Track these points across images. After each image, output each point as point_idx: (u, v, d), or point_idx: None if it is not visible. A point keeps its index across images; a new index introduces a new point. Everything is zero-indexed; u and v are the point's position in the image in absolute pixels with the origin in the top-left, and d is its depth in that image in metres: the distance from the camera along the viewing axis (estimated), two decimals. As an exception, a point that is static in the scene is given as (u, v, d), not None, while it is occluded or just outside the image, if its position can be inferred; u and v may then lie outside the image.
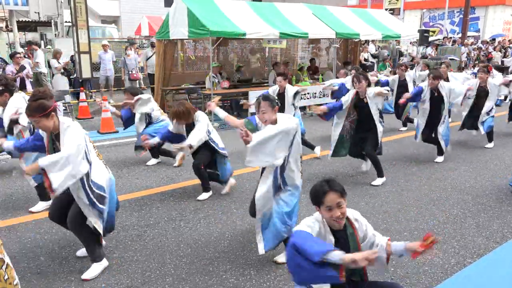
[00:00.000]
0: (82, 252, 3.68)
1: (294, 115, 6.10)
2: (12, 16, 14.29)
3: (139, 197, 5.10)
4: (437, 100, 6.30)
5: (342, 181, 5.62)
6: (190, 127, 5.02)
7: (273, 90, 6.65)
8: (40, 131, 3.44)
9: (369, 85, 5.52)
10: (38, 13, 23.17)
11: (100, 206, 3.33)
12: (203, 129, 4.91)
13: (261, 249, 3.45)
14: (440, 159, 6.57)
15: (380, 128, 5.54)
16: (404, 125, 8.90)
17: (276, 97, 3.67)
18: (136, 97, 5.96)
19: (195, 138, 4.80)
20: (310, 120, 9.77)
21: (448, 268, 3.56)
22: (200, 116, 5.00)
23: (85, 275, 3.38)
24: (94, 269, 3.43)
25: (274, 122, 3.44)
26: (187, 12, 9.09)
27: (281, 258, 3.59)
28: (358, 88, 5.43)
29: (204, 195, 5.08)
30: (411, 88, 8.57)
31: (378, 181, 5.57)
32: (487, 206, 4.87)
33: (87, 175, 3.22)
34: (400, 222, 4.43)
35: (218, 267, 3.56)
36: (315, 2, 12.12)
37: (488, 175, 5.96)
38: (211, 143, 5.01)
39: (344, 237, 2.42)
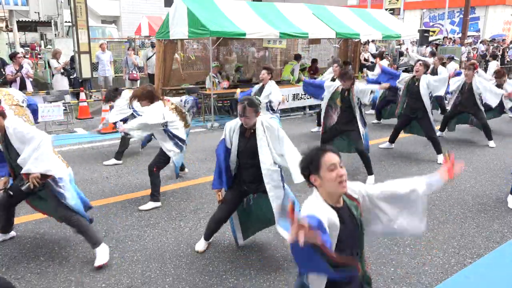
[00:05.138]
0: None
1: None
2: (12, 16, 14.32)
3: (139, 197, 5.10)
4: (416, 91, 6.32)
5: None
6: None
7: (255, 89, 6.54)
8: None
9: (353, 83, 5.57)
10: (38, 13, 23.21)
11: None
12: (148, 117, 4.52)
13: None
14: (440, 159, 6.55)
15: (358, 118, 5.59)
16: None
17: (258, 99, 3.61)
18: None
19: (133, 122, 4.67)
20: (309, 121, 9.77)
21: (448, 268, 3.56)
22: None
23: (98, 262, 3.49)
24: (101, 254, 3.53)
25: (254, 126, 3.44)
26: (187, 12, 9.09)
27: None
28: (343, 85, 5.57)
29: (149, 205, 4.73)
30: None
31: (370, 179, 5.59)
32: (487, 206, 4.87)
33: None
34: (400, 222, 4.42)
35: (218, 267, 3.56)
36: (315, 2, 12.10)
37: (488, 175, 5.96)
38: (171, 134, 4.72)
39: (348, 212, 2.09)
